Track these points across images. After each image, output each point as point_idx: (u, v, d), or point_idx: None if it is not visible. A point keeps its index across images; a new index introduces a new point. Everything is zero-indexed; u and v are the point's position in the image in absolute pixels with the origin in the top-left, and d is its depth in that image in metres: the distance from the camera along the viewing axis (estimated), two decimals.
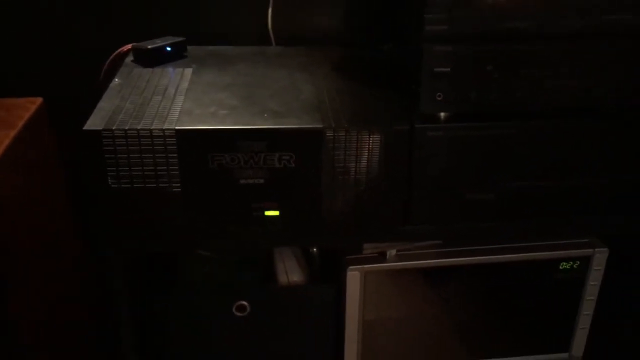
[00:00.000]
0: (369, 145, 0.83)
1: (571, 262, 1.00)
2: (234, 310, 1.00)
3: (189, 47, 1.06)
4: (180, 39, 1.04)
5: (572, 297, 1.04)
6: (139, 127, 0.79)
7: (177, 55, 1.03)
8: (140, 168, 0.80)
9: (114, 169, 0.80)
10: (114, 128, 0.78)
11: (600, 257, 1.00)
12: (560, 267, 1.01)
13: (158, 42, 1.02)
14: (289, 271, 1.04)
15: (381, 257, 0.97)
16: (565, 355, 1.09)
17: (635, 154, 0.90)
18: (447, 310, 1.04)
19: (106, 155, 0.79)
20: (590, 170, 0.90)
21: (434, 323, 1.05)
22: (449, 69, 0.80)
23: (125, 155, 0.79)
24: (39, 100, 1.05)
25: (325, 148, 0.82)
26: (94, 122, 0.79)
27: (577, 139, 0.87)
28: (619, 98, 0.85)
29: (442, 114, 0.84)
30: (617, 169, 0.90)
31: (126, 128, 0.78)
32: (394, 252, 0.97)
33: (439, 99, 0.82)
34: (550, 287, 1.03)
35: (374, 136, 0.83)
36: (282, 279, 1.04)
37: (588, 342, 1.08)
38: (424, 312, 1.03)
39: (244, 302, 1.00)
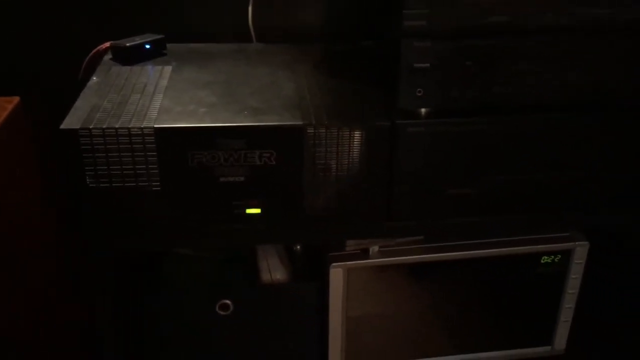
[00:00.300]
0: (349, 141, 0.83)
1: (552, 256, 1.01)
2: (217, 309, 1.00)
3: (168, 45, 1.05)
4: (160, 36, 1.03)
5: (554, 290, 1.05)
6: (117, 126, 0.78)
7: (157, 53, 1.02)
8: (119, 167, 0.79)
9: (92, 168, 0.79)
10: (91, 127, 0.77)
11: (581, 251, 1.01)
12: (542, 261, 1.01)
13: (137, 40, 1.01)
14: (273, 269, 1.04)
15: (364, 253, 0.97)
16: (547, 348, 1.09)
17: (615, 148, 0.90)
18: (430, 305, 1.04)
19: (84, 155, 0.78)
20: (571, 165, 0.90)
21: (417, 318, 1.05)
22: (428, 65, 0.80)
23: (104, 155, 0.78)
24: (15, 99, 1.04)
25: (306, 145, 0.82)
26: (70, 121, 0.78)
27: (557, 134, 0.88)
28: (600, 93, 0.86)
29: (423, 110, 0.84)
30: (597, 164, 0.91)
31: (104, 127, 0.77)
32: (376, 248, 0.97)
33: (419, 94, 0.82)
34: (532, 281, 1.04)
35: (355, 133, 0.83)
36: (266, 277, 1.04)
37: (570, 335, 1.09)
38: (407, 307, 1.03)
39: (227, 301, 1.00)
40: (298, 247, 1.07)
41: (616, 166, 0.92)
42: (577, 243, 1.00)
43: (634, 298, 1.11)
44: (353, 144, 0.83)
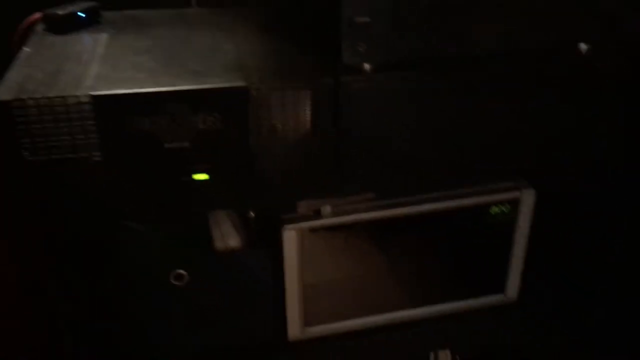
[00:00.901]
0: (294, 101, 0.82)
1: (500, 206, 1.03)
2: (172, 279, 0.99)
3: (103, 13, 1.01)
4: (93, 3, 1.00)
5: (504, 240, 1.07)
6: (51, 95, 0.75)
7: (91, 21, 0.99)
8: (57, 138, 0.77)
9: (29, 140, 0.76)
10: (24, 97, 0.74)
11: (528, 199, 1.03)
12: (491, 211, 1.03)
13: (69, 8, 0.97)
14: (226, 236, 1.03)
15: (316, 214, 0.97)
16: (500, 296, 1.12)
17: (562, 96, 0.92)
18: (385, 262, 1.05)
19: (18, 127, 0.75)
20: (518, 115, 0.92)
21: (372, 276, 1.06)
22: (369, 19, 0.80)
23: (39, 126, 0.76)
24: None
25: (250, 107, 0.81)
26: (1, 93, 0.75)
27: (501, 86, 0.88)
28: (548, 41, 0.86)
29: (367, 66, 0.84)
30: (541, 114, 0.92)
31: (38, 97, 0.75)
32: (328, 208, 0.97)
33: (361, 50, 0.82)
34: (482, 232, 1.06)
35: (299, 92, 0.82)
36: (220, 244, 1.03)
37: (523, 283, 1.12)
38: (362, 266, 1.04)
39: (182, 271, 0.98)
40: (251, 213, 1.06)
41: (563, 114, 0.94)
42: (523, 191, 1.02)
43: (585, 245, 1.14)
44: (298, 103, 0.83)
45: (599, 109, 0.94)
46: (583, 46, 0.89)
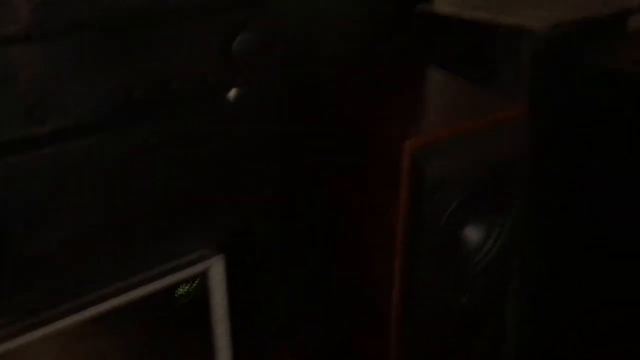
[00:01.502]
0: None
1: (188, 284, 0.88)
2: None
3: None
4: None
5: (204, 317, 0.92)
6: None
7: None
8: None
9: None
10: None
11: (216, 267, 0.89)
12: (179, 293, 0.87)
13: None
14: None
15: None
16: None
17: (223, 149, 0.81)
18: None
19: None
20: (161, 183, 0.78)
21: None
22: None
23: None
24: None
25: None
26: None
27: (120, 153, 0.74)
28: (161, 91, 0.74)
29: None
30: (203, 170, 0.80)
31: None
32: None
33: None
34: (178, 317, 0.89)
35: None
36: None
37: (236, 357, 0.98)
38: None
39: None
40: None
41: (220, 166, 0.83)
42: (209, 261, 0.88)
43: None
44: None
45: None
46: (231, 94, 0.80)
